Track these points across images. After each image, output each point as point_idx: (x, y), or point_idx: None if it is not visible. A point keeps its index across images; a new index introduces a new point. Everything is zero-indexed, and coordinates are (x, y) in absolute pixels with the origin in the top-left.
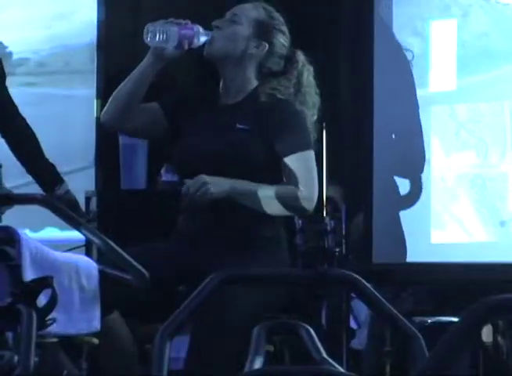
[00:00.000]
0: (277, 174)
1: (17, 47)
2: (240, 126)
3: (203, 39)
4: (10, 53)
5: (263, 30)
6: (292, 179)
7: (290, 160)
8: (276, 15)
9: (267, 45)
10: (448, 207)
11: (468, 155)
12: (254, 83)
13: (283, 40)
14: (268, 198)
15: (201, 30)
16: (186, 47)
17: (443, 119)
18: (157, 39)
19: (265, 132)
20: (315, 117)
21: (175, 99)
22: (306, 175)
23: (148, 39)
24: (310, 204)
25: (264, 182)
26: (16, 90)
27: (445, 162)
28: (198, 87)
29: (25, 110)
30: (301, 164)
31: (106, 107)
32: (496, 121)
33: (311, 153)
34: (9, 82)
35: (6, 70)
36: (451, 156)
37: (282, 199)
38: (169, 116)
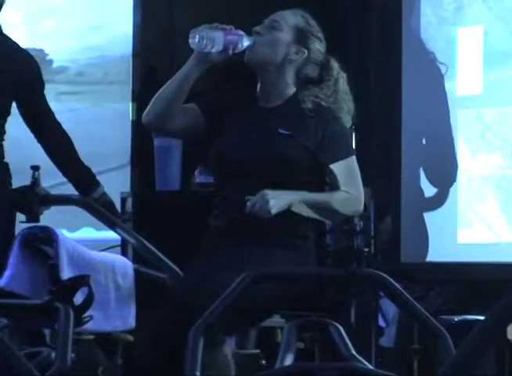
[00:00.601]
0: (319, 179)
1: (57, 55)
2: (282, 131)
3: (246, 44)
4: (50, 61)
5: (302, 37)
6: (338, 186)
7: (335, 168)
8: (313, 22)
9: (306, 52)
10: (475, 208)
11: (494, 156)
12: (293, 88)
13: (320, 46)
14: (324, 206)
15: (245, 35)
16: (231, 52)
17: (469, 121)
18: (204, 44)
19: (307, 139)
20: (351, 123)
21: (213, 100)
22: (353, 181)
23: (194, 44)
24: (360, 207)
25: (304, 187)
26: (55, 97)
27: (471, 163)
28: (234, 88)
29: (65, 115)
30: (347, 170)
31: (147, 108)
32: None
33: (354, 159)
34: (48, 89)
35: (46, 77)
36: (477, 157)
37: (335, 205)
38: (208, 117)
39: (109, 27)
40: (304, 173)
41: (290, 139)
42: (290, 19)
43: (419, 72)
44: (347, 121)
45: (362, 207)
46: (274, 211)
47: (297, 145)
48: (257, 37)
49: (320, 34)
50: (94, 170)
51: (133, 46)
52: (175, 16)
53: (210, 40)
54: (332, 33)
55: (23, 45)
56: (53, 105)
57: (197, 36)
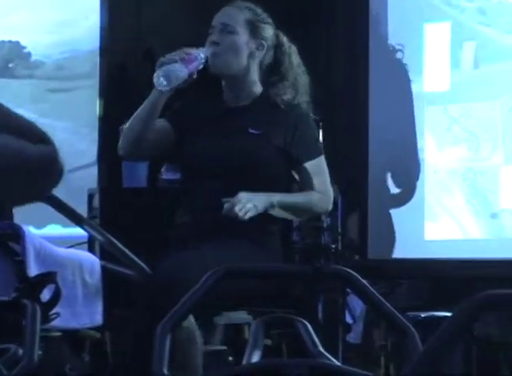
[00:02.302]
0: (287, 178)
1: (32, 50)
2: (252, 130)
3: (204, 59)
4: (29, 54)
5: (256, 30)
6: (310, 185)
7: (308, 166)
8: (259, 9)
9: (265, 43)
10: (441, 201)
11: (460, 149)
12: (259, 85)
13: (272, 31)
14: (300, 207)
15: (202, 53)
16: (194, 76)
17: (436, 114)
18: (169, 82)
19: (278, 137)
20: (308, 98)
21: (180, 109)
22: (323, 179)
23: (160, 84)
24: (330, 206)
25: (275, 186)
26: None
27: (438, 156)
28: (200, 90)
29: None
30: (318, 170)
31: (121, 140)
32: (488, 116)
33: (323, 158)
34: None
35: (25, 71)
36: (443, 150)
37: (308, 205)
38: (177, 127)
39: (83, 21)
40: (275, 172)
41: (261, 138)
42: (240, 17)
43: (386, 69)
44: (305, 91)
45: (330, 208)
46: (250, 214)
47: (268, 144)
48: (216, 48)
49: (268, 19)
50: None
51: (100, 43)
52: (143, 13)
53: (174, 77)
54: (298, 31)
55: None
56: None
57: (161, 77)
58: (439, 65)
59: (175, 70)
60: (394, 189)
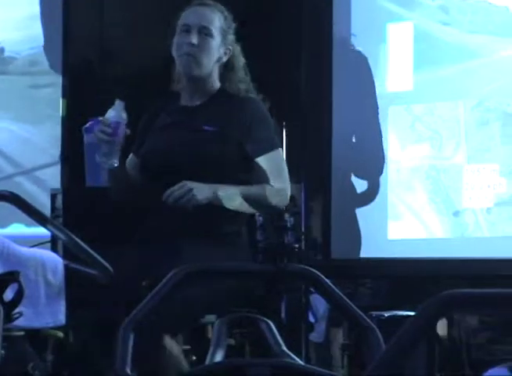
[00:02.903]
0: (244, 173)
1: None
2: (207, 127)
3: (125, 119)
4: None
5: (225, 36)
6: (266, 178)
7: (262, 160)
8: (226, 13)
9: (231, 49)
10: (404, 198)
11: (423, 147)
12: (218, 83)
13: (233, 35)
14: (249, 199)
15: (124, 115)
16: (122, 140)
17: (399, 112)
18: (111, 162)
19: (234, 132)
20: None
21: (140, 135)
22: (279, 173)
23: (107, 165)
24: (285, 200)
25: (232, 182)
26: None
27: (401, 154)
28: (157, 93)
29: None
30: (273, 163)
31: (112, 195)
32: (451, 115)
33: (281, 151)
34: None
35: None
36: (406, 148)
37: (259, 199)
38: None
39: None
40: (230, 167)
41: (216, 134)
42: (216, 21)
43: (349, 68)
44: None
45: (286, 202)
46: (199, 197)
47: (223, 140)
48: (192, 49)
49: (231, 22)
50: (24, 166)
51: (63, 41)
52: (105, 10)
53: (112, 154)
54: (262, 31)
55: None
56: None
57: (102, 162)
58: (402, 65)
59: (105, 154)
60: (358, 189)
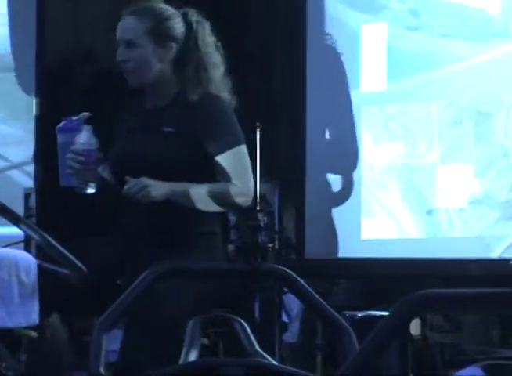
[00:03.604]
0: (207, 173)
1: None
2: (166, 129)
3: (95, 146)
4: None
5: (160, 34)
6: (227, 177)
7: (223, 158)
8: (155, 6)
9: (173, 44)
10: (378, 197)
11: (396, 146)
12: (175, 83)
13: (177, 25)
14: (207, 197)
15: (93, 140)
16: (99, 163)
17: (372, 111)
18: (90, 186)
19: (194, 132)
20: (228, 86)
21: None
22: (241, 170)
23: (88, 192)
24: (247, 200)
25: (195, 181)
26: None
27: (374, 153)
28: (122, 97)
29: None
30: (235, 160)
31: None
32: (424, 113)
33: (244, 148)
34: None
35: None
36: (379, 146)
37: (220, 197)
38: None
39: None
40: (190, 167)
41: (175, 135)
42: (140, 28)
43: (323, 68)
44: (226, 87)
45: (248, 202)
46: (154, 194)
47: (183, 141)
48: (125, 66)
49: (168, 11)
50: None
51: (37, 40)
52: (81, 8)
53: (87, 182)
54: (236, 30)
55: None
56: None
57: (81, 189)
58: (376, 66)
59: (82, 180)
60: (332, 188)
